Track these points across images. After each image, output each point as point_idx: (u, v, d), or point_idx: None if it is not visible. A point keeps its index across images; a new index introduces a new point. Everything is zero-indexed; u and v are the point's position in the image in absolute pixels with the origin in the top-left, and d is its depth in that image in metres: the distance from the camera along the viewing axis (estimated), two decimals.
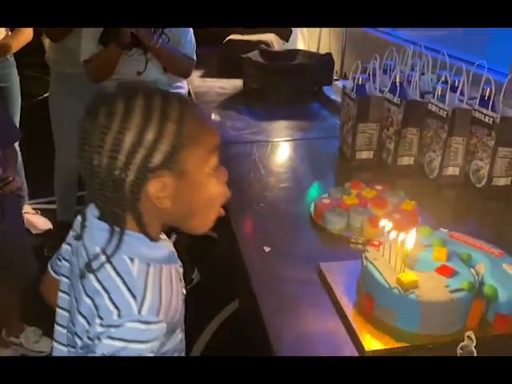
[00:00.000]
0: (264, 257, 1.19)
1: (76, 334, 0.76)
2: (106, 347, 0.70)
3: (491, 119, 1.41)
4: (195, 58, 2.05)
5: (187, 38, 1.99)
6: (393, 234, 1.02)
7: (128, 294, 0.72)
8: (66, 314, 0.85)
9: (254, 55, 2.45)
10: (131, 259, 0.75)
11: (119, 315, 0.71)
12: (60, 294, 0.88)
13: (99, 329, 0.71)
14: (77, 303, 0.77)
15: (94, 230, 0.77)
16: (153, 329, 0.72)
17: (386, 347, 0.93)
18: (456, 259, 1.02)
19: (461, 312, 0.94)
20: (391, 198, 1.34)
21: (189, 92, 2.33)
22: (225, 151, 1.78)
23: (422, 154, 1.59)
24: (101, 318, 0.72)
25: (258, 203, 1.44)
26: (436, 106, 1.50)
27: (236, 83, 2.55)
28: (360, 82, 1.62)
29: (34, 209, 2.90)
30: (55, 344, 0.88)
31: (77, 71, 2.15)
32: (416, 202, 1.32)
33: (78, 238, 0.81)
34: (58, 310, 0.88)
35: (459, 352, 0.84)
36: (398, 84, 1.58)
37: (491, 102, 1.43)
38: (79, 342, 0.75)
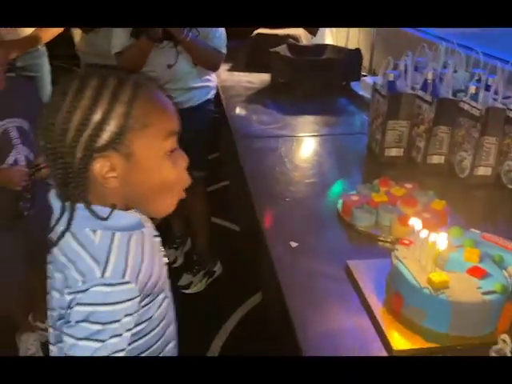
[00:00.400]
0: (291, 252, 1.19)
1: (53, 309, 0.80)
2: (78, 314, 0.73)
3: None
4: (225, 51, 2.05)
5: (217, 32, 2.00)
6: (424, 234, 1.01)
7: (91, 260, 0.75)
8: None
9: (282, 49, 2.44)
10: (94, 231, 0.77)
11: (83, 281, 0.74)
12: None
13: (68, 297, 0.74)
14: (51, 280, 0.81)
15: (54, 205, 0.80)
16: (118, 290, 0.74)
17: (415, 347, 0.92)
18: (488, 261, 1.00)
19: (492, 314, 0.93)
20: (421, 197, 1.32)
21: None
22: (251, 145, 1.79)
23: (452, 152, 1.56)
24: (69, 287, 0.75)
25: (283, 198, 1.44)
26: (469, 104, 1.48)
27: (263, 77, 2.55)
28: (391, 79, 1.60)
29: None
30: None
31: (107, 63, 2.17)
32: (446, 201, 1.30)
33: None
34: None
35: (493, 355, 0.83)
36: (430, 81, 1.56)
37: None
38: (55, 315, 0.79)
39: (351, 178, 1.59)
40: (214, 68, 2.10)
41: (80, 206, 0.77)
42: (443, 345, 0.92)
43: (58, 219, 0.79)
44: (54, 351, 0.85)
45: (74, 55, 2.57)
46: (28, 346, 1.95)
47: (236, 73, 2.65)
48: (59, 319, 0.78)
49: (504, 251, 1.05)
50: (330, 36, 3.17)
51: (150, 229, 0.88)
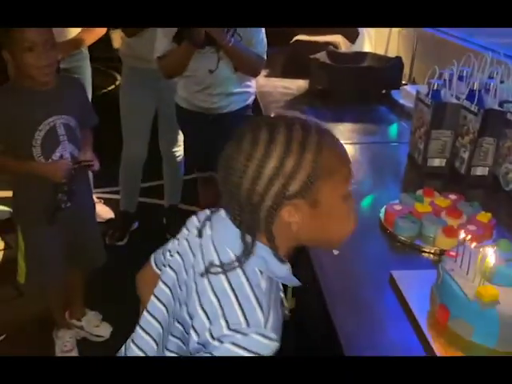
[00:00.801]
0: (333, 259, 1.19)
1: (193, 327, 0.78)
2: (227, 351, 0.73)
3: None
4: (265, 57, 2.06)
5: (259, 38, 2.00)
6: (472, 246, 0.99)
7: (257, 305, 0.74)
8: (162, 306, 0.89)
9: (322, 56, 2.44)
10: (261, 272, 0.78)
11: (248, 324, 0.73)
12: (160, 286, 0.90)
13: (225, 331, 0.73)
14: (190, 298, 0.80)
15: (227, 233, 0.80)
16: (271, 346, 0.74)
17: None
18: None
19: None
20: (466, 209, 1.30)
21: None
22: None
23: (497, 164, 1.54)
24: (226, 320, 0.74)
25: None
26: None
27: (300, 83, 2.55)
28: (436, 88, 1.59)
29: (97, 198, 3.00)
30: (143, 334, 0.90)
31: (149, 67, 2.21)
32: (491, 213, 1.28)
33: (200, 235, 0.85)
34: (154, 300, 0.90)
35: None
36: (475, 91, 1.53)
37: None
38: (195, 337, 0.77)
39: (391, 188, 1.58)
40: (255, 74, 2.11)
41: (260, 245, 0.78)
42: None
43: (239, 250, 0.78)
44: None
45: (112, 58, 2.63)
46: (64, 342, 1.99)
47: (273, 78, 2.65)
48: (198, 343, 0.77)
49: None
50: (368, 43, 3.15)
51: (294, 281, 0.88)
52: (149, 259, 1.02)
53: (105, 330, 2.09)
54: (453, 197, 1.35)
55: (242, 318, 0.73)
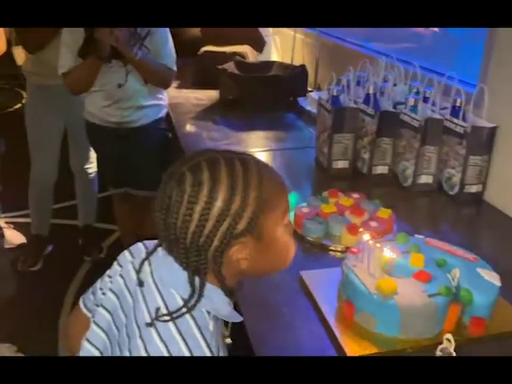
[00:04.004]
0: None
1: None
2: None
3: (462, 129, 1.46)
4: (175, 68, 2.05)
5: (167, 49, 2.00)
6: (371, 242, 1.04)
7: (207, 349, 0.72)
8: (95, 350, 0.84)
9: (230, 66, 2.48)
10: (208, 312, 0.76)
11: None
12: (94, 329, 0.85)
13: None
14: (133, 343, 0.75)
15: (173, 277, 0.77)
16: None
17: (367, 353, 0.95)
18: (432, 265, 1.05)
19: (438, 316, 0.97)
20: (368, 206, 1.37)
21: None
22: None
23: (395, 163, 1.63)
24: None
25: None
26: (409, 116, 1.55)
27: (211, 94, 2.57)
28: (335, 94, 1.66)
29: (6, 222, 2.85)
30: None
31: (54, 83, 2.14)
32: (391, 209, 1.36)
33: (140, 283, 0.80)
34: (87, 346, 0.85)
35: (438, 354, 0.87)
36: (371, 95, 1.62)
37: (462, 112, 1.48)
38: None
39: (302, 191, 1.62)
40: (165, 85, 2.10)
41: (209, 286, 0.76)
42: (395, 349, 0.96)
43: (188, 295, 0.75)
44: None
45: (17, 75, 2.52)
46: None
47: (184, 90, 2.66)
48: None
49: (448, 255, 1.10)
50: (275, 53, 3.24)
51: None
52: (77, 303, 0.96)
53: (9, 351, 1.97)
54: (356, 196, 1.42)
55: None
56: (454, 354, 0.84)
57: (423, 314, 0.96)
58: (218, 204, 0.71)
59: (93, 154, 2.51)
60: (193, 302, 0.74)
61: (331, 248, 1.27)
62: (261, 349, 0.96)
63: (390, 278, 1.00)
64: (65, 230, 2.88)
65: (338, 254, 1.26)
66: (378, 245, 1.02)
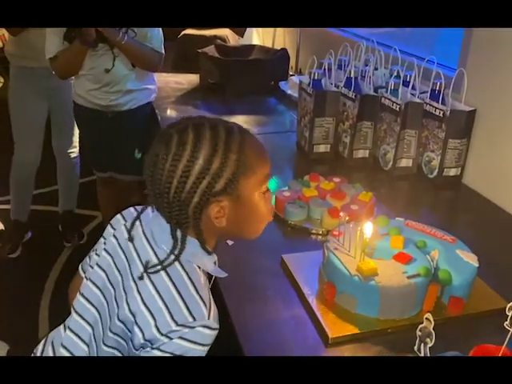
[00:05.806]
0: (227, 249, 1.21)
1: (137, 324, 0.79)
2: (176, 346, 0.77)
3: (441, 112, 1.47)
4: (163, 51, 2.02)
5: (154, 32, 1.96)
6: (352, 224, 1.05)
7: (199, 299, 0.79)
8: (91, 307, 0.89)
9: (210, 50, 2.45)
10: (198, 267, 0.83)
11: (194, 318, 0.77)
12: (89, 286, 0.90)
13: (173, 327, 0.77)
14: (131, 298, 0.81)
15: (160, 230, 0.84)
16: (214, 334, 0.80)
17: (348, 333, 0.96)
18: (412, 246, 1.07)
19: (418, 296, 0.99)
20: (349, 190, 1.38)
21: None
22: None
23: (376, 146, 1.64)
24: (172, 317, 0.77)
25: None
26: (389, 99, 1.55)
27: (192, 78, 2.55)
28: (316, 77, 1.66)
29: None
30: (75, 339, 0.89)
31: (38, 65, 2.10)
32: (372, 193, 1.37)
33: (131, 238, 0.87)
34: (82, 301, 0.90)
35: (418, 334, 0.88)
36: (352, 79, 1.62)
37: (441, 96, 1.50)
38: (139, 334, 0.79)
39: (283, 175, 1.63)
40: (154, 69, 2.07)
41: (192, 241, 0.83)
42: (375, 329, 0.97)
43: (173, 245, 0.82)
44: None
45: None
46: None
47: (164, 74, 2.63)
48: (143, 341, 0.78)
49: (427, 237, 1.12)
50: (256, 37, 3.22)
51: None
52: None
53: (1, 350, 1.96)
54: (336, 180, 1.43)
55: (187, 314, 0.77)
56: (434, 334, 0.86)
57: (403, 294, 0.97)
58: (199, 162, 0.78)
59: (76, 138, 2.47)
60: (177, 251, 0.81)
61: (313, 231, 1.28)
62: (244, 331, 0.97)
63: (370, 259, 1.01)
64: (44, 216, 2.85)
65: (320, 237, 1.27)
66: (358, 228, 1.03)
